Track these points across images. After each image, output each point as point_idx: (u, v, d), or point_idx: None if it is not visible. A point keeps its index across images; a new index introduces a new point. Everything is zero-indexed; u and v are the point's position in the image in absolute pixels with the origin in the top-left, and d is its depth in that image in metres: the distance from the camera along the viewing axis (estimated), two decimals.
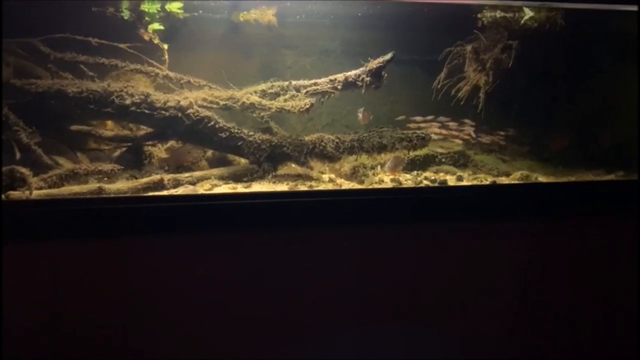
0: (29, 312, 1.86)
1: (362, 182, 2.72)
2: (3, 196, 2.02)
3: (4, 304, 1.80)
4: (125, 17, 2.98)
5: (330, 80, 2.85)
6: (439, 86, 3.38)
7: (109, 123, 2.92)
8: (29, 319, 1.86)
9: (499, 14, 3.27)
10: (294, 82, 2.90)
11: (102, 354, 1.93)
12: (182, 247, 1.97)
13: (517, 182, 2.86)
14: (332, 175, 2.89)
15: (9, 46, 2.64)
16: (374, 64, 2.78)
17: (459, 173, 3.02)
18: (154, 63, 2.99)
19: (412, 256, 2.20)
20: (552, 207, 2.36)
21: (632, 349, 2.42)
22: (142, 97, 2.58)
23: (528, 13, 3.19)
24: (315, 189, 2.54)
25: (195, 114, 2.60)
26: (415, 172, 3.06)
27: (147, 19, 3.04)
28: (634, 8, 2.57)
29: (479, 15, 3.32)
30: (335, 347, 2.16)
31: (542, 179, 2.91)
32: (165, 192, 2.38)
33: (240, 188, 2.51)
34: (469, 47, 3.35)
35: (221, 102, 2.77)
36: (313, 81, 2.88)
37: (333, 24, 3.49)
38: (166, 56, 3.09)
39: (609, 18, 3.11)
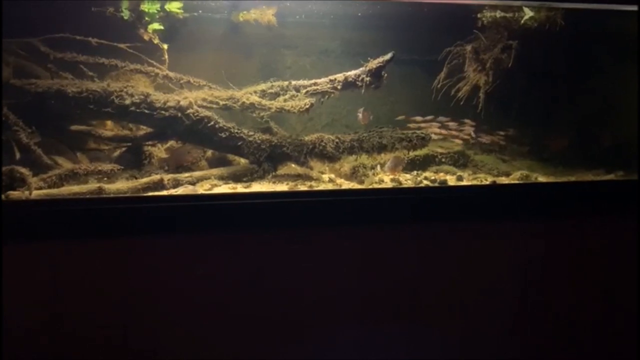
0: (29, 312, 1.86)
1: (362, 182, 2.72)
2: (3, 196, 2.02)
3: (4, 304, 1.80)
4: (125, 17, 2.97)
5: (330, 80, 2.85)
6: (438, 86, 3.38)
7: (109, 123, 2.92)
8: (29, 319, 1.86)
9: (498, 13, 3.27)
10: (293, 82, 2.90)
11: (102, 354, 1.93)
12: (182, 247, 1.97)
13: (517, 182, 2.86)
14: (332, 175, 2.89)
15: (9, 46, 2.64)
16: (373, 64, 2.78)
17: (459, 173, 3.02)
18: (154, 63, 2.99)
19: (412, 256, 2.20)
20: (552, 207, 2.36)
21: (632, 349, 2.42)
22: (142, 97, 2.58)
23: (528, 13, 3.19)
24: (315, 189, 2.54)
25: (195, 114, 2.60)
26: (415, 172, 3.06)
27: (146, 19, 3.03)
28: (634, 8, 2.57)
29: (478, 15, 3.32)
30: (335, 347, 2.16)
31: (542, 178, 2.91)
32: (165, 192, 2.38)
33: (240, 188, 2.51)
34: (468, 47, 3.35)
35: (221, 102, 2.77)
36: (313, 81, 2.88)
37: (333, 24, 3.49)
38: (166, 56, 3.08)
39: (609, 18, 3.11)
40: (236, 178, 2.63)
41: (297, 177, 2.72)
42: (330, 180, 2.78)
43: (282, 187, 2.54)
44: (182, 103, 2.59)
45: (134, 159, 2.77)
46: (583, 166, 3.12)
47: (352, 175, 2.82)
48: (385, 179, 2.78)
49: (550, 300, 2.34)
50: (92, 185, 2.29)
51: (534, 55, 3.31)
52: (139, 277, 1.95)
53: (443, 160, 3.26)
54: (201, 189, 2.46)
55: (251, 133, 2.71)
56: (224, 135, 2.65)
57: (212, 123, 2.63)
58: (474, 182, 2.85)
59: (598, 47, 3.42)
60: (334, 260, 2.12)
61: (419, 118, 3.41)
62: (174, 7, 3.06)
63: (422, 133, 2.83)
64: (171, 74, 2.99)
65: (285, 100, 2.82)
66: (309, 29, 3.50)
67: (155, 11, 3.02)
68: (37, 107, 2.55)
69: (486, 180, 2.87)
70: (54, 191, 2.20)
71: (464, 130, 3.43)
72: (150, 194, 2.35)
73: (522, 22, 3.23)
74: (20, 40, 2.68)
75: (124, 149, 2.89)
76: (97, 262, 1.90)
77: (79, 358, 1.92)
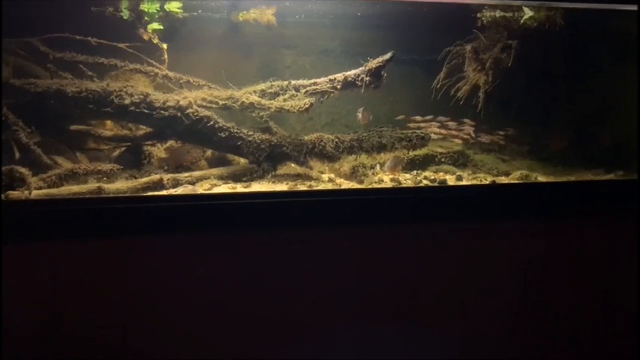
0: (29, 312, 1.86)
1: (361, 182, 2.72)
2: (3, 196, 2.02)
3: (4, 304, 1.80)
4: (125, 17, 2.97)
5: (330, 80, 2.85)
6: (438, 86, 3.38)
7: (109, 123, 2.92)
8: (29, 319, 1.86)
9: (498, 13, 3.27)
10: (293, 82, 2.90)
11: (102, 354, 1.93)
12: (182, 247, 1.97)
13: (517, 182, 2.86)
14: (332, 175, 2.89)
15: (9, 46, 2.63)
16: (373, 63, 2.77)
17: (459, 173, 3.02)
18: (154, 63, 2.99)
19: (412, 256, 2.20)
20: (552, 207, 2.36)
21: (632, 349, 2.42)
22: (142, 97, 2.57)
23: (528, 13, 3.19)
24: (315, 189, 2.54)
25: (195, 114, 2.60)
26: (415, 172, 3.06)
27: (146, 18, 3.03)
28: (634, 8, 2.57)
29: (478, 15, 3.32)
30: (335, 347, 2.16)
31: (542, 178, 2.91)
32: (165, 192, 2.38)
33: (240, 188, 2.51)
34: (468, 47, 3.35)
35: (221, 102, 2.77)
36: (313, 81, 2.88)
37: (333, 23, 3.49)
38: (166, 56, 3.08)
39: (609, 18, 3.11)
40: (236, 178, 2.63)
41: (297, 177, 2.71)
42: (330, 180, 2.78)
43: (282, 187, 2.54)
44: (181, 103, 2.59)
45: (134, 159, 2.77)
46: (583, 166, 3.13)
47: (352, 175, 2.82)
48: (385, 179, 2.78)
49: (550, 300, 2.34)
50: (92, 185, 2.29)
51: (533, 55, 3.31)
52: (139, 277, 1.95)
53: (443, 160, 3.26)
54: (201, 189, 2.46)
55: (251, 133, 2.71)
56: (223, 135, 2.65)
57: (211, 123, 2.62)
58: (474, 182, 2.85)
59: (598, 47, 3.42)
60: (334, 260, 2.12)
61: (418, 118, 3.41)
62: (173, 7, 3.06)
63: (422, 133, 2.84)
64: (171, 74, 2.99)
65: (285, 100, 2.82)
66: (308, 29, 3.50)
67: (155, 11, 3.02)
68: (36, 107, 2.55)
69: (486, 180, 2.87)
70: (53, 191, 2.20)
71: (463, 130, 3.43)
72: (150, 194, 2.35)
73: (522, 22, 3.23)
74: (20, 40, 2.68)
75: (123, 149, 2.89)
76: (97, 262, 1.90)
77: (79, 358, 1.92)
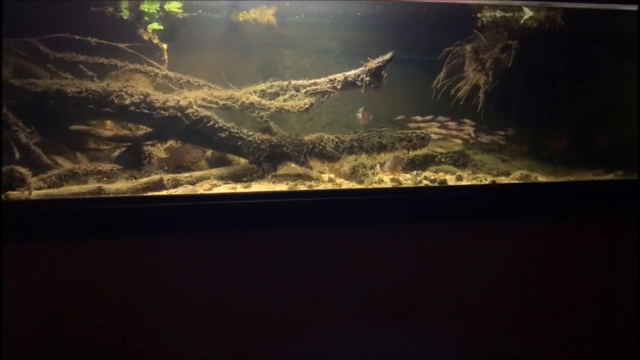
0: (29, 312, 1.86)
1: (361, 182, 2.72)
2: (3, 196, 2.02)
3: (4, 304, 1.80)
4: (125, 17, 2.97)
5: (330, 80, 2.85)
6: (438, 86, 3.38)
7: (108, 123, 2.92)
8: (29, 319, 1.86)
9: (498, 13, 3.27)
10: (293, 82, 2.89)
11: (102, 354, 1.93)
12: (182, 247, 1.97)
13: (516, 181, 2.86)
14: (332, 175, 2.89)
15: (9, 46, 2.63)
16: (373, 63, 2.77)
17: (459, 173, 3.02)
18: (153, 63, 2.99)
19: (412, 256, 2.20)
20: (552, 207, 2.36)
21: (632, 349, 2.42)
22: (142, 97, 2.57)
23: (528, 13, 3.19)
24: (315, 188, 2.54)
25: (195, 114, 2.60)
26: (414, 172, 3.06)
27: (146, 18, 3.03)
28: (634, 8, 2.57)
29: (478, 15, 3.32)
30: (335, 347, 2.16)
31: (541, 178, 2.91)
32: (164, 192, 2.38)
33: (239, 188, 2.51)
34: (468, 47, 3.35)
35: (220, 102, 2.77)
36: (312, 81, 2.88)
37: (332, 23, 3.48)
38: (165, 56, 3.08)
39: (609, 18, 3.11)
40: (236, 178, 2.63)
41: (297, 177, 2.71)
42: (330, 180, 2.78)
43: (282, 187, 2.54)
44: (181, 103, 2.59)
45: (134, 159, 2.77)
46: (583, 166, 3.13)
47: (352, 175, 2.82)
48: (385, 179, 2.78)
49: (550, 300, 2.35)
50: (91, 185, 2.29)
51: (533, 55, 3.31)
52: (139, 277, 1.95)
53: (443, 160, 3.26)
54: (201, 189, 2.46)
55: (251, 133, 2.70)
56: (223, 135, 2.64)
57: (211, 123, 2.62)
58: (474, 182, 2.85)
59: (598, 47, 3.42)
60: (334, 260, 2.12)
61: (418, 118, 3.41)
62: (173, 6, 3.06)
63: (421, 133, 2.84)
64: (171, 74, 2.98)
65: (284, 100, 2.82)
66: (308, 29, 3.49)
67: (155, 11, 3.01)
68: (36, 107, 2.55)
69: (486, 180, 2.87)
70: (53, 191, 2.20)
71: (463, 130, 3.43)
72: (150, 194, 2.35)
73: (522, 21, 3.23)
74: (20, 40, 2.68)
75: (123, 149, 2.89)
76: (97, 262, 1.90)
77: (79, 358, 1.92)
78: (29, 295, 1.86)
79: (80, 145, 2.84)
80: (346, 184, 2.73)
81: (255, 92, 2.86)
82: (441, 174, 3.05)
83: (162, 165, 2.78)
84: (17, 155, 2.40)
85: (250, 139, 2.68)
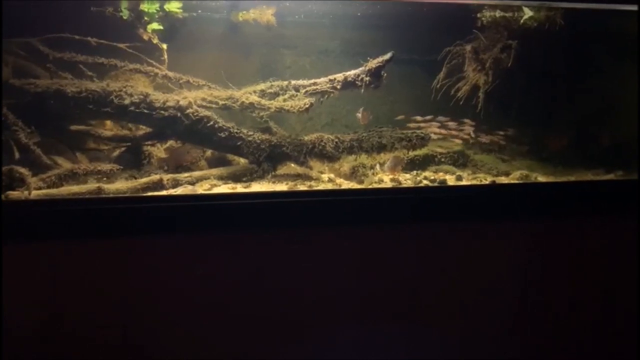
0: (29, 312, 1.86)
1: (361, 182, 2.72)
2: (2, 196, 2.02)
3: (4, 304, 1.80)
4: (125, 17, 2.97)
5: (330, 80, 2.85)
6: (438, 86, 3.38)
7: (108, 123, 2.92)
8: (29, 319, 1.86)
9: (498, 13, 3.27)
10: (293, 82, 2.89)
11: (102, 354, 1.93)
12: (182, 247, 1.97)
13: (516, 181, 2.86)
14: (332, 175, 2.89)
15: (9, 46, 2.63)
16: (373, 63, 2.77)
17: (459, 173, 3.02)
18: (153, 63, 2.99)
19: (412, 256, 2.20)
20: (552, 207, 2.36)
21: (632, 349, 2.42)
22: (141, 96, 2.57)
23: (527, 13, 3.19)
24: (315, 188, 2.54)
25: (195, 114, 2.60)
26: (414, 172, 3.06)
27: (146, 18, 3.03)
28: (634, 8, 2.57)
29: (478, 15, 3.32)
30: (335, 347, 2.16)
31: (541, 178, 2.91)
32: (164, 192, 2.38)
33: (239, 188, 2.51)
34: (468, 47, 3.35)
35: (220, 102, 2.77)
36: (312, 81, 2.88)
37: (332, 23, 3.48)
38: (165, 56, 3.08)
39: (609, 18, 3.11)
40: (236, 178, 2.63)
41: (297, 177, 2.71)
42: (330, 180, 2.77)
43: (282, 187, 2.54)
44: (181, 103, 2.59)
45: (134, 159, 2.77)
46: (583, 166, 3.13)
47: (352, 175, 2.82)
48: (384, 179, 2.78)
49: (550, 300, 2.35)
50: (91, 185, 2.28)
51: (533, 55, 3.31)
52: (139, 277, 1.95)
53: (442, 160, 3.26)
54: (201, 189, 2.46)
55: (250, 133, 2.70)
56: (223, 135, 2.64)
57: (211, 123, 2.62)
58: (474, 182, 2.85)
59: (598, 47, 3.42)
60: (334, 260, 2.12)
61: (418, 118, 3.41)
62: (173, 6, 3.06)
63: (421, 133, 2.84)
64: (170, 74, 2.98)
65: (284, 100, 2.82)
66: (308, 29, 3.49)
67: (155, 11, 3.01)
68: (36, 107, 2.55)
69: (486, 180, 2.87)
70: (53, 191, 2.20)
71: (463, 130, 3.43)
72: (150, 194, 2.34)
73: (522, 21, 3.23)
74: (20, 40, 2.68)
75: (123, 149, 2.88)
76: (97, 262, 1.90)
77: (79, 358, 1.91)
78: (29, 295, 1.86)
79: (80, 145, 2.84)
80: (346, 184, 2.73)
81: (255, 92, 2.86)
82: (441, 174, 3.05)
83: (162, 165, 2.78)
84: (17, 155, 2.40)
85: (250, 139, 2.68)
